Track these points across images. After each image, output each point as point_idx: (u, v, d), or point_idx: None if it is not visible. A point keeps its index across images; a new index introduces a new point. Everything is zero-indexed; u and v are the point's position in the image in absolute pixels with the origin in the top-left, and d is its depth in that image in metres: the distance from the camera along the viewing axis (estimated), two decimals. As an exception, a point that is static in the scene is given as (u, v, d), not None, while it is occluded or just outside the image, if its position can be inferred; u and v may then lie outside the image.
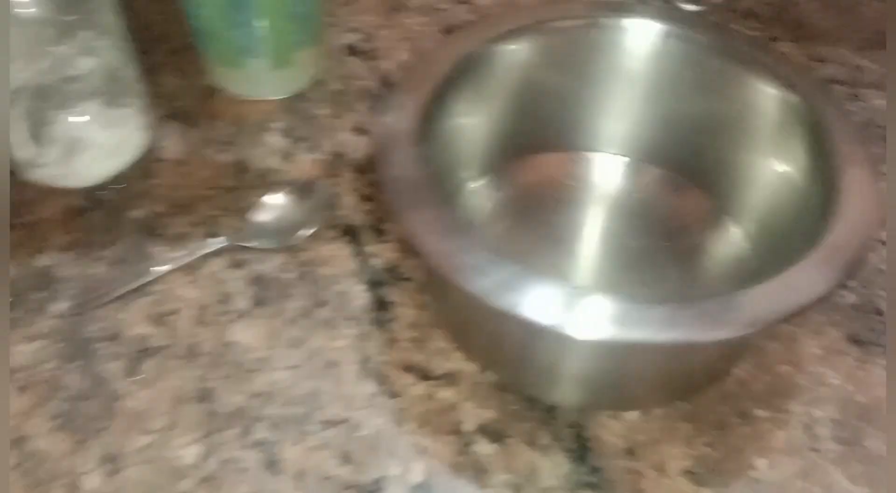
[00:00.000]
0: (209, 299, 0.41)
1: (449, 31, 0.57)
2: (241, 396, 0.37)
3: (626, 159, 0.46)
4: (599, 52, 0.42)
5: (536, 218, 0.43)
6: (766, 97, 0.39)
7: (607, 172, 0.46)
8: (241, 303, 0.41)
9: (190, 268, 0.42)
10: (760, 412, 0.37)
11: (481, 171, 0.44)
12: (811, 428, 0.37)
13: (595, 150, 0.46)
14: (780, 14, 0.59)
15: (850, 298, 0.42)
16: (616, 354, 0.33)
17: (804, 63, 0.55)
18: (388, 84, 0.53)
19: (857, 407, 0.37)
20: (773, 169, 0.40)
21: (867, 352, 0.39)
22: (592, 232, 0.43)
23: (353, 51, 0.55)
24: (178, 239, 0.43)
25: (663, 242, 0.42)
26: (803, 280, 0.31)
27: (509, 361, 0.37)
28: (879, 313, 0.41)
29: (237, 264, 0.42)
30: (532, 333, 0.33)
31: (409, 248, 0.42)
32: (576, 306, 0.29)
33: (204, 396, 0.37)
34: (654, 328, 0.29)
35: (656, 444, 0.36)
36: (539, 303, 0.29)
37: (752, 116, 0.40)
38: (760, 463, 0.36)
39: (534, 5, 0.58)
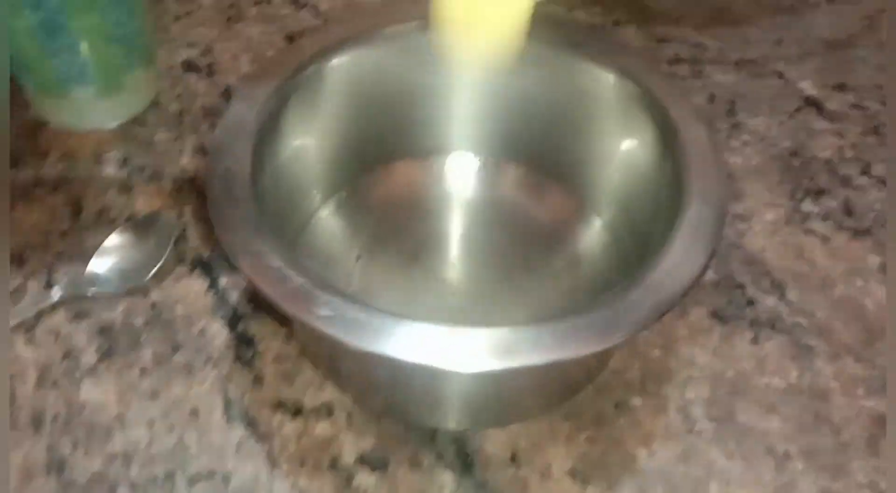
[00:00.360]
0: (51, 357, 0.37)
1: (292, 38, 0.54)
2: (97, 460, 0.34)
3: (482, 159, 0.45)
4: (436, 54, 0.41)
5: (397, 232, 0.42)
6: (606, 85, 0.39)
7: (464, 175, 0.45)
8: (88, 358, 0.37)
9: (27, 326, 0.38)
10: (636, 401, 0.37)
11: (332, 187, 0.42)
12: (686, 410, 0.37)
13: (448, 152, 0.45)
14: (621, -3, 0.60)
15: (710, 274, 0.43)
16: (493, 380, 0.32)
17: (647, 44, 0.56)
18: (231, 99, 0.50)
19: (726, 383, 0.38)
20: (624, 156, 0.40)
21: (731, 327, 0.40)
22: (457, 242, 0.42)
23: (190, 67, 0.52)
24: (12, 295, 0.39)
25: (530, 243, 0.41)
26: (671, 270, 0.31)
27: (381, 395, 0.35)
28: (739, 286, 0.42)
29: (80, 316, 0.39)
30: (403, 370, 0.31)
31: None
32: (448, 340, 0.28)
33: (56, 466, 0.34)
34: (532, 353, 0.28)
35: (539, 448, 0.36)
36: (407, 340, 0.28)
37: (595, 104, 0.40)
38: (641, 452, 0.36)
39: (374, 8, 0.57)
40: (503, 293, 0.39)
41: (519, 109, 0.42)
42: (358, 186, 0.43)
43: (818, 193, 0.47)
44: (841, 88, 0.54)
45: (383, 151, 0.43)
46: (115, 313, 0.39)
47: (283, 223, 0.37)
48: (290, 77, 0.36)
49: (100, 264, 0.40)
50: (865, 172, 0.49)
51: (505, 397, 0.36)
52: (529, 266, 0.41)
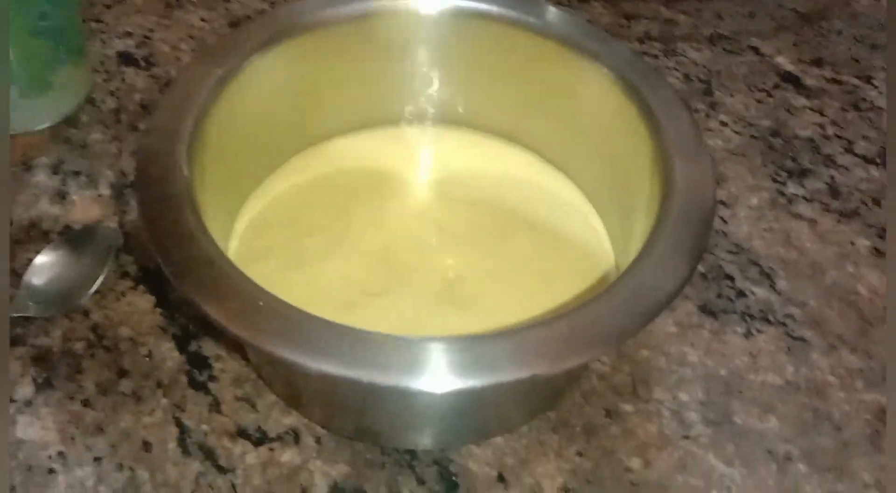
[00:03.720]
0: (-20, 391, 0.33)
1: (236, 24, 0.50)
2: (38, 505, 0.31)
3: (450, 131, 0.41)
4: (396, 35, 0.37)
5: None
6: (582, 70, 0.36)
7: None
8: (24, 390, 0.33)
9: (-49, 356, 0.34)
10: (627, 407, 0.35)
11: (272, 167, 0.38)
12: (679, 414, 0.35)
13: (415, 123, 0.41)
14: (587, -28, 0.57)
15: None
16: (468, 394, 0.29)
17: (616, 21, 0.53)
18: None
19: (719, 383, 0.36)
20: (606, 140, 0.37)
21: (722, 322, 0.38)
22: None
23: (127, 59, 0.47)
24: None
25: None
26: (654, 276, 0.28)
27: (349, 418, 0.32)
28: (727, 277, 0.40)
29: (13, 342, 0.35)
30: (370, 391, 0.28)
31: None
32: (413, 357, 0.25)
33: (-10, 514, 0.30)
34: (503, 369, 0.25)
35: (527, 464, 0.33)
36: (371, 359, 0.25)
37: (569, 89, 0.37)
38: (635, 463, 0.33)
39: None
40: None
41: (489, 85, 0.39)
42: (301, 165, 0.38)
43: (802, 174, 0.45)
44: (818, 62, 0.52)
45: (332, 124, 0.39)
46: (53, 338, 0.35)
47: (224, 215, 0.33)
48: (228, 69, 0.32)
49: (34, 283, 0.36)
50: (849, 150, 0.47)
51: (484, 410, 0.33)
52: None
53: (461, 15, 0.36)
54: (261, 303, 0.24)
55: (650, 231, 0.30)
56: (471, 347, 0.25)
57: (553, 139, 0.39)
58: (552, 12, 0.36)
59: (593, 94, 0.36)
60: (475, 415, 0.33)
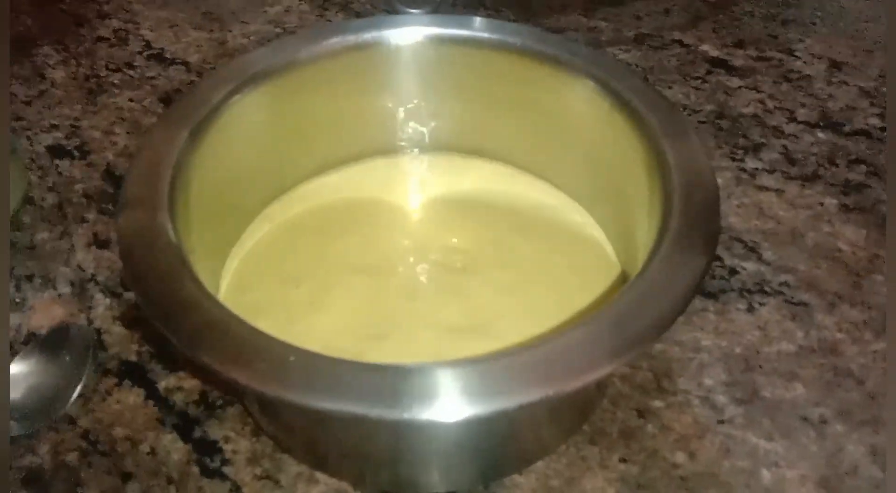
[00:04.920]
0: (-30, 530, 0.30)
1: (168, 100, 0.48)
2: None
3: (445, 156, 0.40)
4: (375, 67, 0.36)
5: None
6: (564, 84, 0.36)
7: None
8: (19, 518, 0.30)
9: (-72, 498, 0.31)
10: (657, 403, 0.34)
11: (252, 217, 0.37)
12: (709, 400, 0.34)
13: (402, 152, 0.40)
14: (503, -4, 0.58)
15: (686, 253, 0.40)
16: (503, 421, 0.28)
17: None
18: (116, 178, 0.44)
19: (738, 361, 0.36)
20: (596, 149, 0.36)
21: (723, 302, 0.38)
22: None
23: (59, 152, 0.45)
24: None
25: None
26: (674, 265, 0.27)
27: (383, 467, 0.30)
28: (716, 258, 0.40)
29: (-5, 468, 0.32)
30: (403, 431, 0.26)
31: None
32: (427, 387, 0.23)
33: None
34: (522, 390, 0.24)
35: (575, 482, 0.32)
36: (384, 395, 0.23)
37: (554, 104, 0.37)
38: (680, 457, 0.32)
39: (250, 49, 0.52)
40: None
41: (481, 108, 0.38)
42: (280, 209, 0.37)
43: (756, 149, 0.46)
44: (739, 44, 0.54)
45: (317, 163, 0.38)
46: (41, 455, 0.32)
47: (210, 275, 0.31)
48: (198, 121, 0.30)
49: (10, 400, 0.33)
50: (792, 119, 0.48)
51: (519, 435, 0.32)
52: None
53: (436, 42, 0.36)
54: (292, 358, 0.22)
55: (658, 229, 0.29)
56: (490, 367, 0.24)
57: (543, 155, 0.39)
58: (526, 32, 0.36)
59: (579, 106, 0.35)
60: (511, 442, 0.31)
